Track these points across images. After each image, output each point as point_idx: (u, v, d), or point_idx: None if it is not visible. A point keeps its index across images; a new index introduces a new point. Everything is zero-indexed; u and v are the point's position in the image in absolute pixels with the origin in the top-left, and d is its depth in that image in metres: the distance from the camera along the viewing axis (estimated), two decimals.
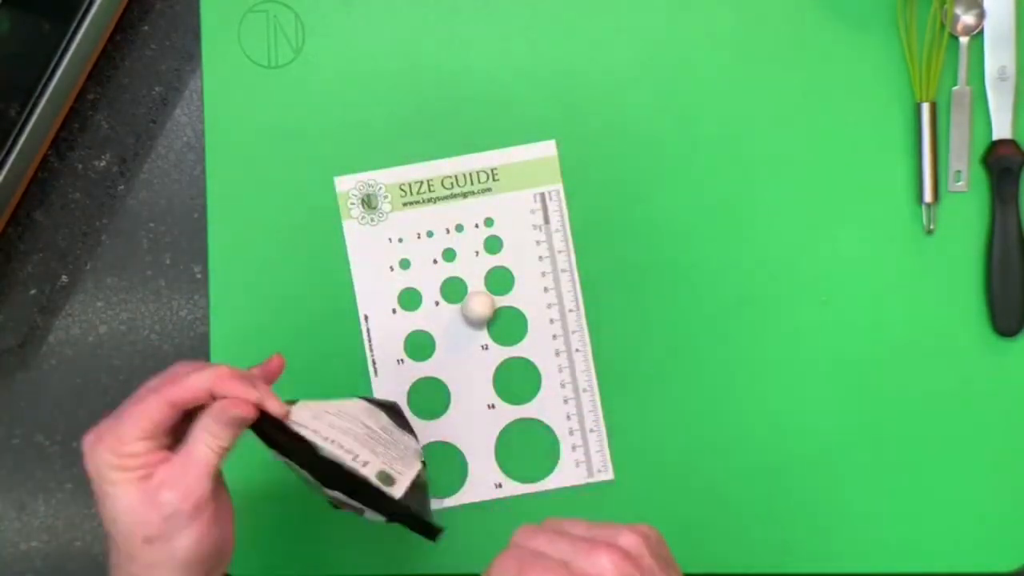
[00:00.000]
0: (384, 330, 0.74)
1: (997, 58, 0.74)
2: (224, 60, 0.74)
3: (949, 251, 0.74)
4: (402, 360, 0.74)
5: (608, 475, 0.74)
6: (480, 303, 0.72)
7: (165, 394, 0.59)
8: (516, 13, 0.75)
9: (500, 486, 0.74)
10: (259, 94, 0.74)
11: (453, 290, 0.74)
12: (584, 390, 0.74)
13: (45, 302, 0.76)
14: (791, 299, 0.74)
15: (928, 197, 0.74)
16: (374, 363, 0.74)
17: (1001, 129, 0.74)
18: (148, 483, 0.58)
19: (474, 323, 0.73)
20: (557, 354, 0.74)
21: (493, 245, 0.74)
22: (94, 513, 0.76)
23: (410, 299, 0.74)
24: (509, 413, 0.74)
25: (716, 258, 0.74)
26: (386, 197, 0.73)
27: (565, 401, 0.74)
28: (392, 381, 0.74)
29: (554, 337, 0.74)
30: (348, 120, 0.74)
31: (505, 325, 0.74)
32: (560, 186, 0.73)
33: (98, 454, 0.58)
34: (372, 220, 0.73)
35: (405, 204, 0.73)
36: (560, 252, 0.74)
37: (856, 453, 0.74)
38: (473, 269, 0.74)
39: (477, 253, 0.74)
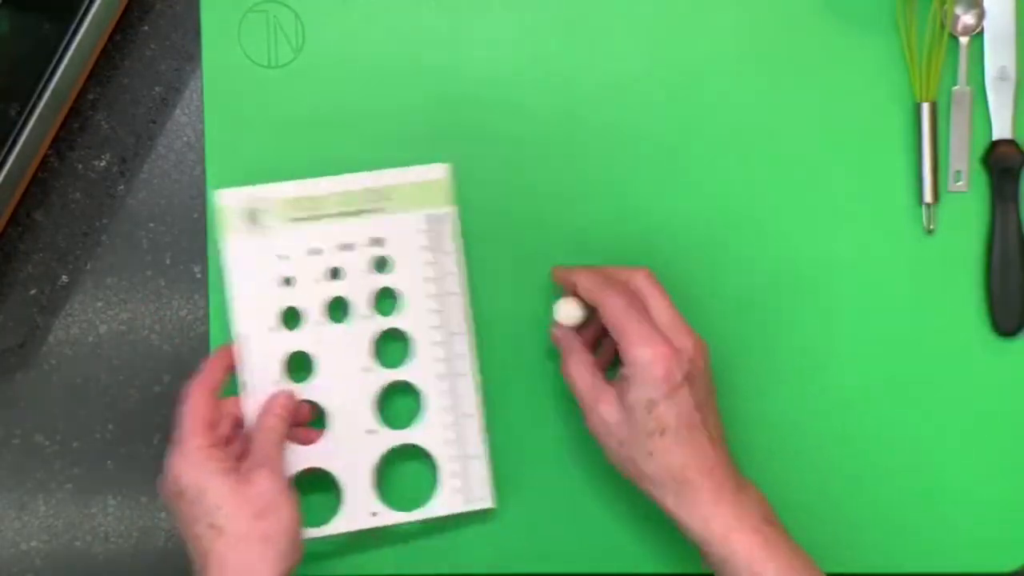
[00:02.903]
0: (260, 350, 0.71)
1: (997, 58, 0.74)
2: (224, 60, 0.74)
3: (949, 251, 0.74)
4: (278, 382, 0.71)
5: (487, 503, 0.72)
6: (568, 308, 0.70)
7: (196, 387, 0.68)
8: (518, 12, 0.74)
9: (376, 514, 0.72)
10: (259, 94, 0.74)
11: (337, 309, 0.72)
12: (467, 415, 0.72)
13: (45, 302, 0.76)
14: (790, 299, 0.74)
15: (928, 197, 0.74)
16: (245, 384, 0.70)
17: (1001, 129, 0.74)
18: (238, 471, 0.66)
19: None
20: (441, 378, 0.72)
21: (381, 265, 0.72)
22: (94, 513, 0.76)
23: (291, 318, 0.71)
24: (389, 439, 0.72)
25: (716, 258, 0.74)
26: (272, 212, 0.71)
27: (447, 427, 0.72)
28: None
29: (438, 360, 0.72)
30: (348, 120, 0.74)
31: (389, 348, 0.72)
32: (452, 209, 0.72)
33: (181, 464, 0.66)
34: (256, 236, 0.71)
35: (292, 220, 0.71)
36: (450, 275, 0.72)
37: (855, 453, 0.74)
38: (358, 289, 0.72)
39: (365, 273, 0.72)
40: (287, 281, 0.71)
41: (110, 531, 0.76)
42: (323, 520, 0.71)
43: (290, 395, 0.71)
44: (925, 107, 0.74)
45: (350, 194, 0.71)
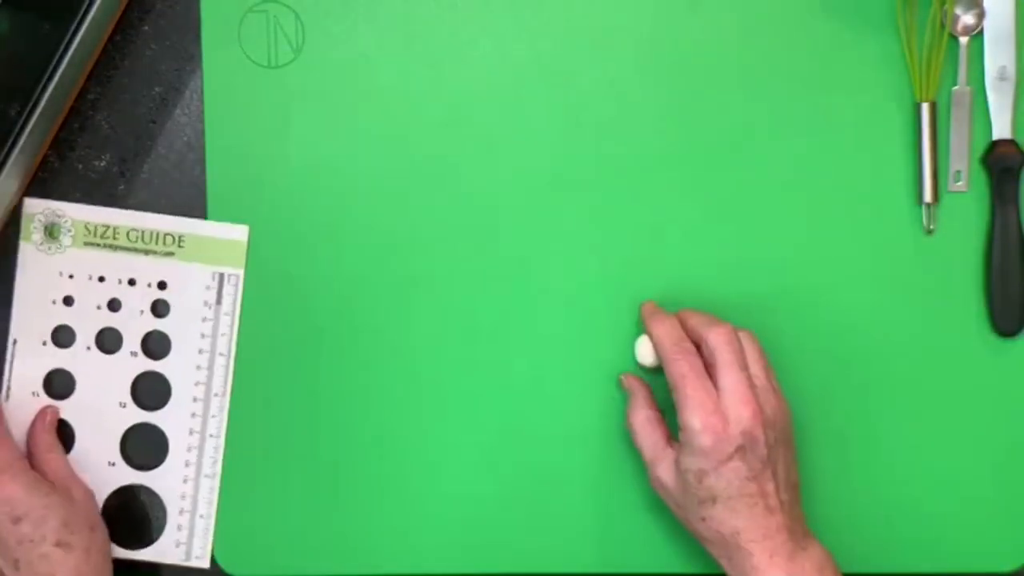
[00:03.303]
0: (28, 359, 0.74)
1: (997, 58, 0.74)
2: (224, 60, 0.74)
3: (949, 251, 0.74)
4: (37, 393, 0.74)
5: (204, 563, 0.74)
6: (646, 350, 0.72)
7: None
8: (518, 12, 0.74)
9: None
10: (259, 94, 0.74)
11: (108, 339, 0.74)
12: (206, 475, 0.74)
13: None
14: (789, 299, 0.74)
15: (928, 197, 0.74)
16: (8, 388, 0.74)
17: (1001, 129, 0.74)
18: (60, 489, 0.70)
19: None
20: (191, 432, 0.74)
21: (160, 308, 0.74)
22: None
23: (64, 336, 0.74)
24: (128, 475, 0.74)
25: (714, 258, 0.74)
26: (70, 231, 0.73)
27: (185, 480, 0.74)
28: (23, 410, 0.73)
29: (193, 415, 0.74)
30: (348, 120, 0.74)
31: (151, 389, 0.74)
32: (240, 271, 0.73)
33: (14, 488, 0.68)
34: (50, 249, 0.73)
35: (86, 243, 0.73)
36: (223, 335, 0.74)
37: (854, 452, 0.74)
38: (132, 326, 0.74)
39: (142, 312, 0.74)
40: (67, 300, 0.74)
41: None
42: None
43: (56, 412, 0.73)
44: (925, 107, 0.74)
45: (146, 232, 0.74)
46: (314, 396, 0.74)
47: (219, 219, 0.74)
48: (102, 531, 0.71)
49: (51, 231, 0.73)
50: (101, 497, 0.74)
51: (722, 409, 0.65)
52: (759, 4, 0.74)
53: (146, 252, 0.74)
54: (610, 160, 0.74)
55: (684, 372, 0.66)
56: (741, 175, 0.74)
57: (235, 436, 0.74)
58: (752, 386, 0.66)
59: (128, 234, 0.74)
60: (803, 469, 0.73)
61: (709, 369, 0.66)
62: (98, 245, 0.74)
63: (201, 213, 0.75)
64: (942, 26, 0.73)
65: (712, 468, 0.64)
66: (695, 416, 0.65)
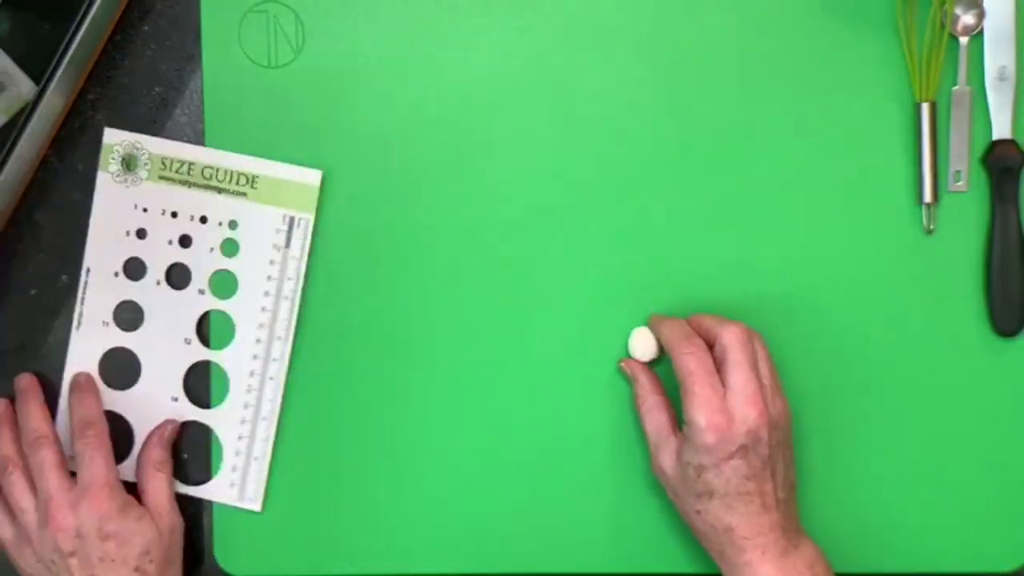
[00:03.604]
0: (101, 289, 0.74)
1: (997, 58, 0.74)
2: (224, 60, 0.74)
3: (949, 251, 0.74)
4: (107, 323, 0.74)
5: (256, 505, 0.74)
6: (640, 345, 0.72)
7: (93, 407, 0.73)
8: (518, 12, 0.74)
9: None
10: (259, 94, 0.74)
11: (177, 275, 0.74)
12: (263, 418, 0.74)
13: (45, 302, 0.76)
14: (789, 299, 0.74)
15: (928, 197, 0.74)
16: (80, 316, 0.74)
17: (1001, 129, 0.74)
18: (144, 510, 0.70)
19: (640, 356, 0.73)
20: (251, 374, 0.74)
21: (230, 248, 0.74)
22: None
23: (135, 269, 0.74)
24: (188, 412, 0.74)
25: (714, 259, 0.74)
26: (147, 164, 0.73)
27: (243, 422, 0.74)
28: (92, 339, 0.74)
29: (254, 357, 0.74)
30: (348, 120, 0.74)
31: (214, 327, 0.74)
32: (311, 216, 0.73)
33: (105, 506, 0.68)
34: (126, 182, 0.73)
35: (161, 177, 0.73)
36: (289, 279, 0.73)
37: (854, 452, 0.74)
38: (202, 263, 0.74)
39: (212, 249, 0.74)
40: (140, 233, 0.73)
41: None
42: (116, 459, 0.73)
43: (176, 428, 0.74)
44: (925, 107, 0.74)
45: (221, 170, 0.73)
46: (313, 397, 0.74)
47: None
48: (177, 567, 0.71)
49: (128, 163, 0.73)
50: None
51: (728, 408, 0.65)
52: (759, 4, 0.74)
53: (219, 190, 0.73)
54: (609, 160, 0.74)
55: (692, 368, 0.66)
56: (740, 175, 0.74)
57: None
58: (761, 386, 0.66)
59: (203, 171, 0.73)
60: (803, 469, 0.73)
61: (718, 366, 0.67)
62: (173, 180, 0.73)
63: None
64: (942, 26, 0.73)
65: (713, 465, 0.65)
66: (700, 413, 0.65)
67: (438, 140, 0.74)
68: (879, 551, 0.74)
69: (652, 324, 0.72)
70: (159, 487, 0.72)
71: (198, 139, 0.75)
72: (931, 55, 0.73)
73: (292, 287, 0.73)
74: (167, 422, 0.74)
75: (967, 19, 0.74)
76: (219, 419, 0.74)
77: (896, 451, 0.74)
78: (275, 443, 0.74)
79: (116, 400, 0.74)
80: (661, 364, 0.73)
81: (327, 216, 0.74)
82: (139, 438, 0.74)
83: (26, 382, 0.73)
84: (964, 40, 0.74)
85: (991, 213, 0.74)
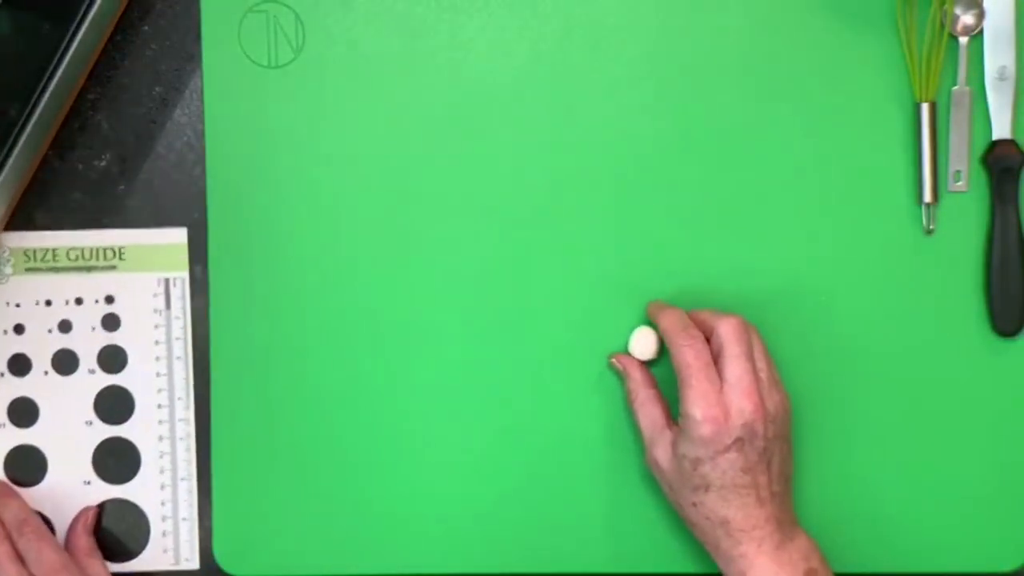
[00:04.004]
0: None
1: (997, 58, 0.74)
2: (224, 60, 0.74)
3: (949, 251, 0.74)
4: (3, 424, 0.74)
5: (194, 564, 0.75)
6: (641, 344, 0.72)
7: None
8: (518, 12, 0.74)
9: None
10: (259, 94, 0.74)
11: (64, 361, 0.74)
12: (183, 479, 0.75)
13: None
14: (789, 300, 0.74)
15: (928, 197, 0.74)
16: None
17: (1001, 129, 0.74)
18: None
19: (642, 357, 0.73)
20: (160, 439, 0.74)
21: (111, 323, 0.74)
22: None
23: (20, 364, 0.74)
24: (104, 491, 0.75)
25: (714, 258, 0.74)
26: (9, 260, 0.74)
27: (162, 487, 0.75)
28: None
29: (160, 422, 0.74)
30: (348, 120, 0.74)
31: (111, 404, 0.74)
32: (185, 275, 0.74)
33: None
34: None
35: (27, 270, 0.74)
36: (177, 339, 0.74)
37: (854, 452, 0.74)
38: (86, 344, 0.74)
39: (93, 328, 0.74)
40: (17, 329, 0.74)
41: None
42: None
43: (95, 513, 0.74)
44: (925, 107, 0.73)
45: (86, 249, 0.74)
46: (311, 398, 0.74)
47: (220, 219, 0.74)
48: None
49: None
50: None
51: (725, 401, 0.65)
52: (759, 4, 0.74)
53: (88, 269, 0.74)
54: (609, 160, 0.74)
55: (689, 361, 0.66)
56: (740, 175, 0.74)
57: (229, 437, 0.74)
58: (757, 379, 0.66)
59: (68, 253, 0.74)
60: (803, 469, 0.73)
61: (715, 358, 0.67)
62: (40, 270, 0.74)
63: (201, 213, 0.75)
64: (942, 26, 0.73)
65: (709, 457, 0.65)
66: (697, 406, 0.65)
67: (438, 140, 0.74)
68: (879, 551, 0.74)
69: (651, 310, 0.72)
70: (98, 571, 0.72)
71: (198, 139, 0.75)
72: (931, 55, 0.73)
73: (181, 346, 0.74)
74: (85, 510, 0.74)
75: (967, 19, 0.74)
76: (137, 490, 0.75)
77: (896, 451, 0.74)
78: (275, 450, 0.74)
79: (30, 497, 0.74)
80: (658, 366, 0.73)
81: (327, 215, 0.74)
82: (60, 530, 0.74)
83: None
84: (964, 40, 0.74)
85: (991, 213, 0.74)
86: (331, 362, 0.74)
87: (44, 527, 0.72)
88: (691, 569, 0.74)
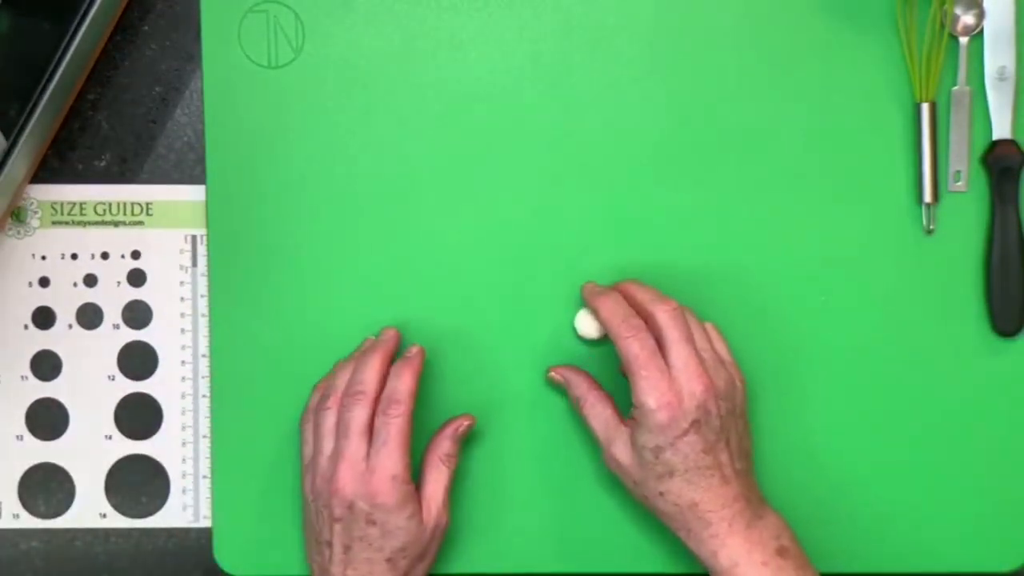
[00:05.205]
0: (12, 344, 0.74)
1: (997, 58, 0.74)
2: (224, 60, 0.74)
3: (949, 251, 0.74)
4: (26, 376, 0.74)
5: (210, 523, 0.75)
6: (588, 324, 0.72)
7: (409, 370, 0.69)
8: (517, 12, 0.74)
9: (105, 516, 0.75)
10: (259, 94, 0.74)
11: (89, 315, 0.74)
12: (204, 436, 0.75)
13: None
14: (789, 299, 0.74)
15: (928, 197, 0.74)
16: None
17: (1001, 129, 0.74)
18: (419, 507, 0.69)
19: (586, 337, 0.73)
20: (183, 396, 0.75)
21: (136, 278, 0.74)
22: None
23: (44, 317, 0.74)
24: (125, 446, 0.75)
25: (714, 257, 0.74)
26: (36, 213, 0.74)
27: (184, 444, 0.75)
28: (12, 395, 0.74)
29: (183, 379, 0.74)
30: (348, 120, 0.74)
31: (136, 359, 0.74)
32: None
33: (386, 487, 0.67)
34: (19, 233, 0.73)
35: (54, 223, 0.74)
36: (202, 296, 0.74)
37: (854, 452, 0.74)
38: (111, 299, 0.74)
39: (119, 283, 0.74)
40: (43, 282, 0.74)
41: (110, 531, 0.76)
42: (56, 513, 0.74)
43: (472, 423, 0.72)
44: (925, 107, 0.74)
45: (114, 204, 0.74)
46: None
47: (220, 219, 0.74)
48: (429, 562, 0.70)
49: (18, 215, 0.73)
50: (103, 470, 0.74)
51: (675, 386, 0.65)
52: (759, 4, 0.74)
53: (115, 224, 0.74)
54: (609, 159, 0.74)
55: (636, 352, 0.66)
56: (740, 175, 0.74)
57: (229, 437, 0.74)
58: (701, 360, 0.66)
59: (95, 208, 0.74)
60: (803, 468, 0.73)
61: (658, 344, 0.67)
62: (67, 223, 0.74)
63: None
64: (942, 26, 0.73)
65: (669, 444, 0.65)
66: (650, 395, 0.65)
67: (437, 140, 0.74)
68: (878, 551, 0.74)
69: (587, 295, 0.72)
70: (439, 480, 0.70)
71: (198, 139, 0.75)
72: (931, 55, 0.73)
73: (206, 304, 0.74)
74: (463, 416, 0.72)
75: (967, 19, 0.74)
76: (159, 447, 0.75)
77: (896, 450, 0.74)
78: (275, 450, 0.74)
79: (49, 450, 0.74)
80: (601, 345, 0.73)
81: (327, 214, 0.74)
82: (79, 487, 0.74)
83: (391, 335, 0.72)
84: (964, 40, 0.74)
85: (991, 213, 0.74)
86: (331, 362, 0.74)
87: (408, 423, 0.68)
88: (657, 564, 0.74)
